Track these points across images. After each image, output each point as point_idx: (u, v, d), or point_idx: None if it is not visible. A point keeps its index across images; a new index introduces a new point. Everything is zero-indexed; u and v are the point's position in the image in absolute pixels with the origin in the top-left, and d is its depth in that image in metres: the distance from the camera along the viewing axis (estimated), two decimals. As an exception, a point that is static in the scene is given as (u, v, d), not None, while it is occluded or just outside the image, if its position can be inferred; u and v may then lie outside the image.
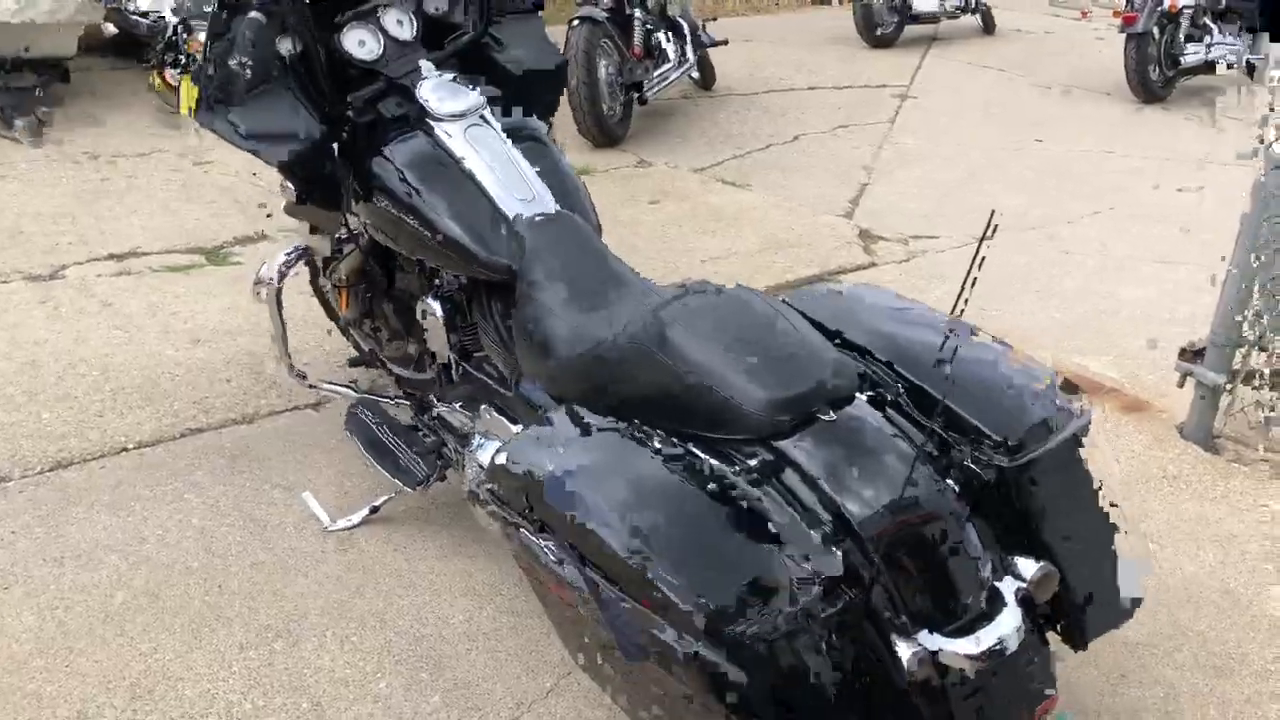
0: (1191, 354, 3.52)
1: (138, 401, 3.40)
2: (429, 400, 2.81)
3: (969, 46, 9.88)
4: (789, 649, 1.60)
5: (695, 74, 7.13)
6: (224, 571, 2.68)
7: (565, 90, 3.18)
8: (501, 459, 1.91)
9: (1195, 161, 6.52)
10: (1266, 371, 3.41)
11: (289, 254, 2.92)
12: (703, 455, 1.86)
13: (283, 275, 2.99)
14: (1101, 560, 1.96)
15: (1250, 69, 8.56)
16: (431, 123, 2.52)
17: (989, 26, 10.51)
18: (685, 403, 1.91)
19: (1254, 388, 3.44)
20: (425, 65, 2.62)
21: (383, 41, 2.65)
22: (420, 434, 2.82)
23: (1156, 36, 7.97)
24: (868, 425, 1.90)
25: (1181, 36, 8.11)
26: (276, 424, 3.33)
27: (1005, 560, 1.84)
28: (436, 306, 2.60)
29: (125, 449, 3.17)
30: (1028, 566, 1.83)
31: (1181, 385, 3.54)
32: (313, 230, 3.08)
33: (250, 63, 2.41)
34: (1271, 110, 3.30)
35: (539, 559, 1.84)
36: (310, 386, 3.19)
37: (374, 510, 2.87)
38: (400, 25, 2.70)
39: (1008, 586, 1.81)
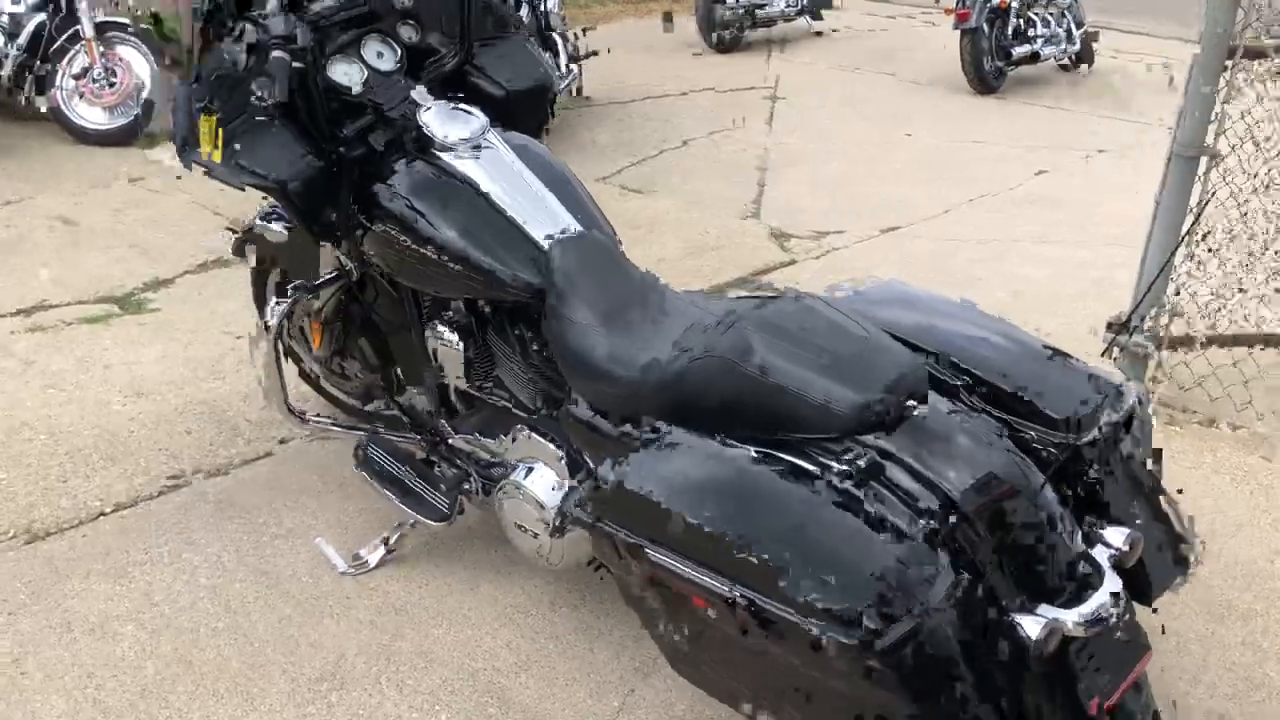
0: (1119, 326, 3.77)
1: (99, 462, 3.24)
2: (441, 431, 2.77)
3: (809, 47, 10.19)
4: (939, 637, 1.68)
5: (576, 85, 7.17)
6: (251, 628, 2.60)
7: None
8: (621, 480, 1.93)
9: (1052, 147, 6.93)
10: (1204, 337, 3.68)
11: (291, 295, 2.83)
12: (815, 460, 1.92)
13: (288, 316, 2.92)
14: (1162, 524, 2.10)
15: (1076, 59, 9.15)
16: (438, 151, 2.49)
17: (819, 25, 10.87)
18: (773, 409, 1.97)
19: (1184, 352, 3.71)
20: (419, 93, 2.60)
21: (365, 73, 2.62)
22: (435, 467, 2.79)
23: (987, 31, 8.41)
24: (947, 414, 1.99)
25: (1010, 31, 8.59)
26: (254, 471, 3.22)
27: (1093, 530, 1.96)
28: (452, 335, 2.58)
29: (103, 513, 3.01)
30: (1116, 534, 1.95)
31: (1106, 355, 3.77)
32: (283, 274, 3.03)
33: (265, 99, 2.35)
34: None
35: (678, 575, 1.86)
36: (307, 423, 3.10)
37: (390, 550, 2.82)
38: (380, 57, 2.67)
39: (1101, 554, 1.93)
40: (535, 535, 2.47)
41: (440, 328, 2.61)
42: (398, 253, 2.49)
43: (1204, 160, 3.47)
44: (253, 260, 3.19)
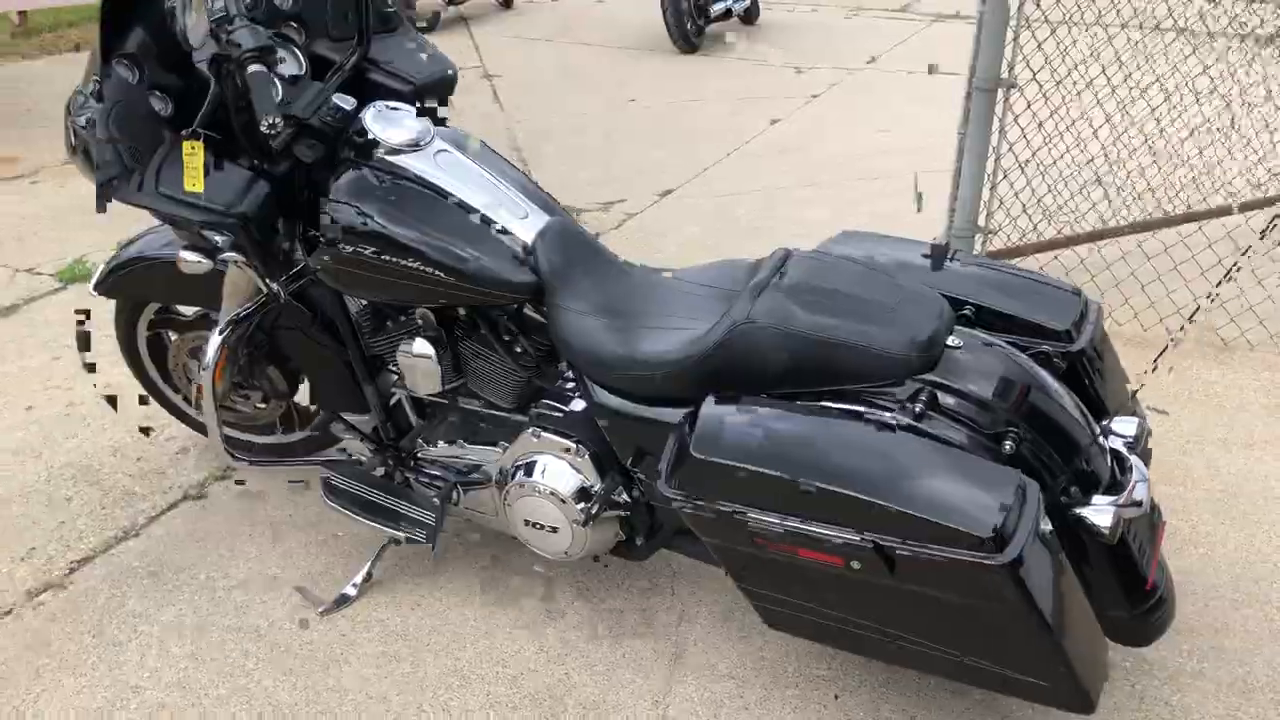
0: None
1: (-20, 551, 2.88)
2: (406, 446, 2.68)
3: (502, 21, 10.23)
4: (1048, 542, 1.87)
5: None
6: (262, 689, 2.43)
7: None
8: (713, 452, 1.99)
9: (771, 97, 7.39)
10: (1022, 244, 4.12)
11: (223, 331, 2.62)
12: (880, 404, 2.05)
13: (225, 351, 2.72)
14: (1136, 411, 2.40)
15: (746, 14, 9.75)
16: (388, 156, 2.39)
17: (508, 2, 10.94)
18: (826, 364, 2.08)
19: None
20: (342, 99, 2.48)
21: (279, 84, 2.47)
22: (407, 485, 2.70)
23: (691, -8, 8.81)
24: (973, 341, 2.18)
25: (706, -9, 9.04)
26: (169, 528, 2.96)
27: (1104, 425, 2.22)
28: (425, 347, 2.50)
29: (14, 608, 2.68)
30: (1127, 425, 2.22)
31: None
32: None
33: (276, 126, 2.18)
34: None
35: (797, 534, 1.94)
36: (253, 461, 2.89)
37: (370, 577, 2.71)
38: (283, 62, 2.52)
39: (1118, 444, 2.19)
40: (554, 530, 2.46)
41: (411, 341, 2.52)
42: (367, 270, 2.37)
43: (1001, 91, 3.87)
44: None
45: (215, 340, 2.60)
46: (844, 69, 8.32)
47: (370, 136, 2.40)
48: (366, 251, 2.34)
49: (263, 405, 3.07)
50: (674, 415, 2.23)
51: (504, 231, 2.37)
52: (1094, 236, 4.37)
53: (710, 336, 2.15)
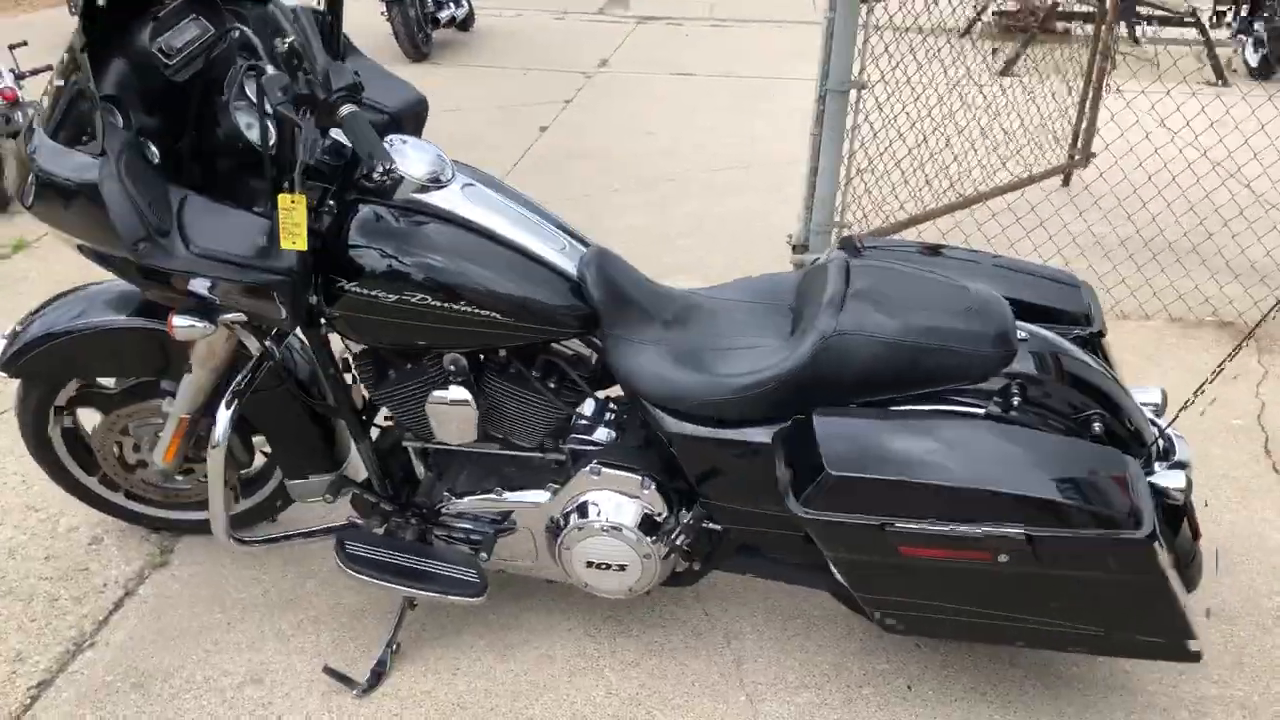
0: (800, 246, 4.34)
1: (-103, 694, 2.40)
2: (436, 501, 2.50)
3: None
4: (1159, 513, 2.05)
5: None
6: (336, 788, 2.20)
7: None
8: (849, 470, 2.01)
9: (526, 104, 7.37)
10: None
11: (230, 403, 2.32)
12: (979, 402, 2.15)
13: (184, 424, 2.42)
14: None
15: (463, 21, 9.63)
16: (418, 194, 2.22)
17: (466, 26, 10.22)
18: (913, 368, 2.16)
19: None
20: (339, 132, 2.27)
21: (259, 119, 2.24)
22: (428, 542, 2.52)
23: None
24: (1033, 333, 2.32)
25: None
26: (127, 629, 2.59)
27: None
28: (462, 392, 2.34)
29: (-12, 743, 2.28)
30: (1151, 393, 2.43)
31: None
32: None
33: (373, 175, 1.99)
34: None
35: (937, 537, 2.00)
36: (257, 543, 2.59)
37: (397, 647, 2.51)
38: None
39: (1148, 411, 2.40)
40: (623, 567, 2.39)
41: (444, 389, 2.35)
42: (405, 318, 2.18)
43: (854, 92, 4.08)
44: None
45: (225, 415, 2.31)
46: (580, 73, 8.42)
47: (382, 174, 2.19)
48: (413, 298, 2.17)
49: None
50: (753, 435, 2.22)
51: (549, 264, 2.26)
52: (915, 220, 4.72)
53: (799, 351, 2.15)
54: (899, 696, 2.44)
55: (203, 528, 2.83)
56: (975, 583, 2.09)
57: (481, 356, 2.36)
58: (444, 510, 2.50)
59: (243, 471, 2.78)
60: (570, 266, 2.28)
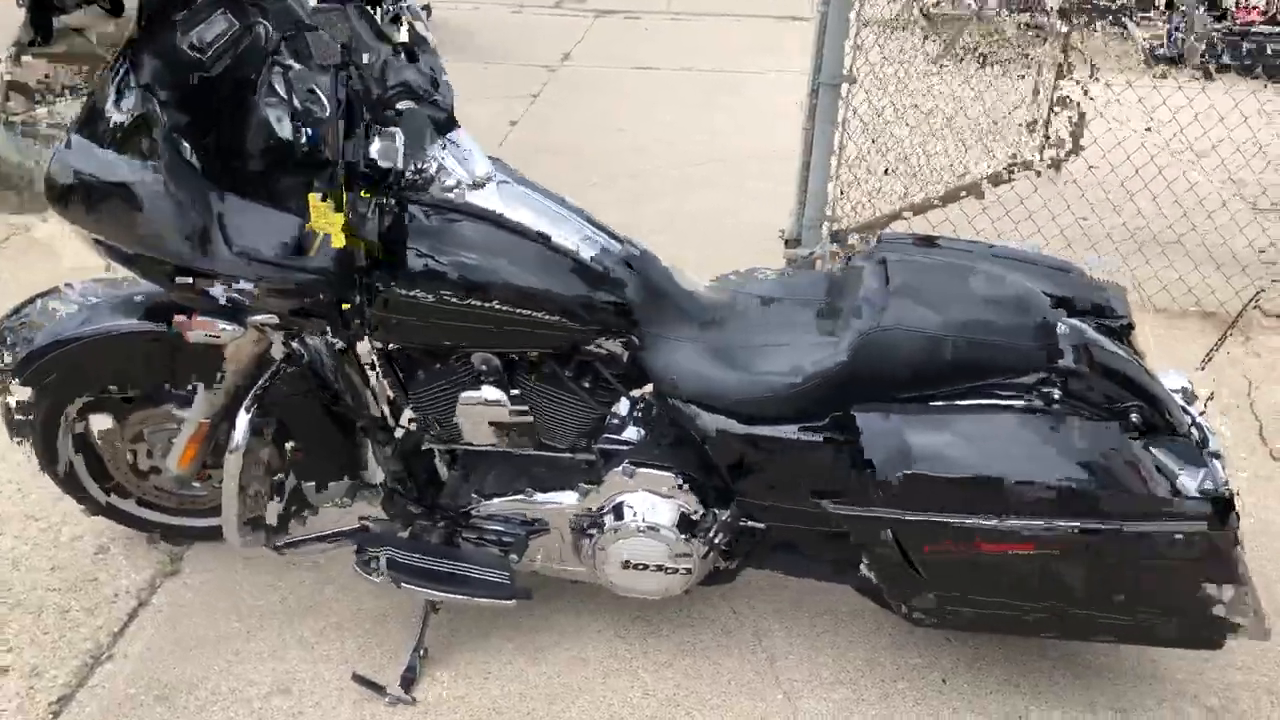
0: (793, 240, 4.34)
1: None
2: (465, 503, 2.45)
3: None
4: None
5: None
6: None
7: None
8: (911, 468, 2.01)
9: (490, 97, 7.30)
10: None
11: (250, 407, 2.26)
12: (1029, 395, 2.15)
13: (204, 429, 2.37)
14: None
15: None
16: (460, 194, 2.18)
17: (119, 9, 9.99)
18: (958, 363, 2.16)
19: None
20: (391, 134, 2.22)
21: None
22: (455, 545, 2.48)
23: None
24: (1071, 325, 2.33)
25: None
26: (145, 640, 2.52)
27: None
28: (496, 393, 2.31)
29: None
30: (1178, 378, 2.45)
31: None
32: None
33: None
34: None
35: (999, 533, 2.01)
36: (286, 547, 2.52)
37: (425, 652, 2.47)
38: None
39: (1177, 398, 2.42)
40: (660, 568, 2.36)
41: (476, 389, 2.31)
42: (448, 319, 2.15)
43: (845, 86, 4.09)
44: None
45: (244, 419, 2.26)
46: (544, 67, 8.34)
47: (415, 172, 2.15)
48: (453, 299, 2.13)
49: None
50: (792, 431, 2.21)
51: (586, 263, 2.23)
52: (904, 213, 4.75)
53: (841, 348, 2.15)
54: (934, 691, 2.45)
55: (216, 534, 2.78)
56: (1023, 576, 2.10)
57: (514, 356, 2.33)
58: (472, 512, 2.45)
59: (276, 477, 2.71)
60: (605, 264, 2.25)
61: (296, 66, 1.92)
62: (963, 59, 5.05)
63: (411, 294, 2.12)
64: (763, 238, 4.47)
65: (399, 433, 2.49)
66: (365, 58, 2.02)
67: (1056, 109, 5.54)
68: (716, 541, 2.33)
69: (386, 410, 2.48)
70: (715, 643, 2.57)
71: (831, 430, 2.17)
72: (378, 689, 2.37)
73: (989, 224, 4.63)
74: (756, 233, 4.59)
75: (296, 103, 2.05)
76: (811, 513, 2.27)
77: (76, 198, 2.02)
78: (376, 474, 2.59)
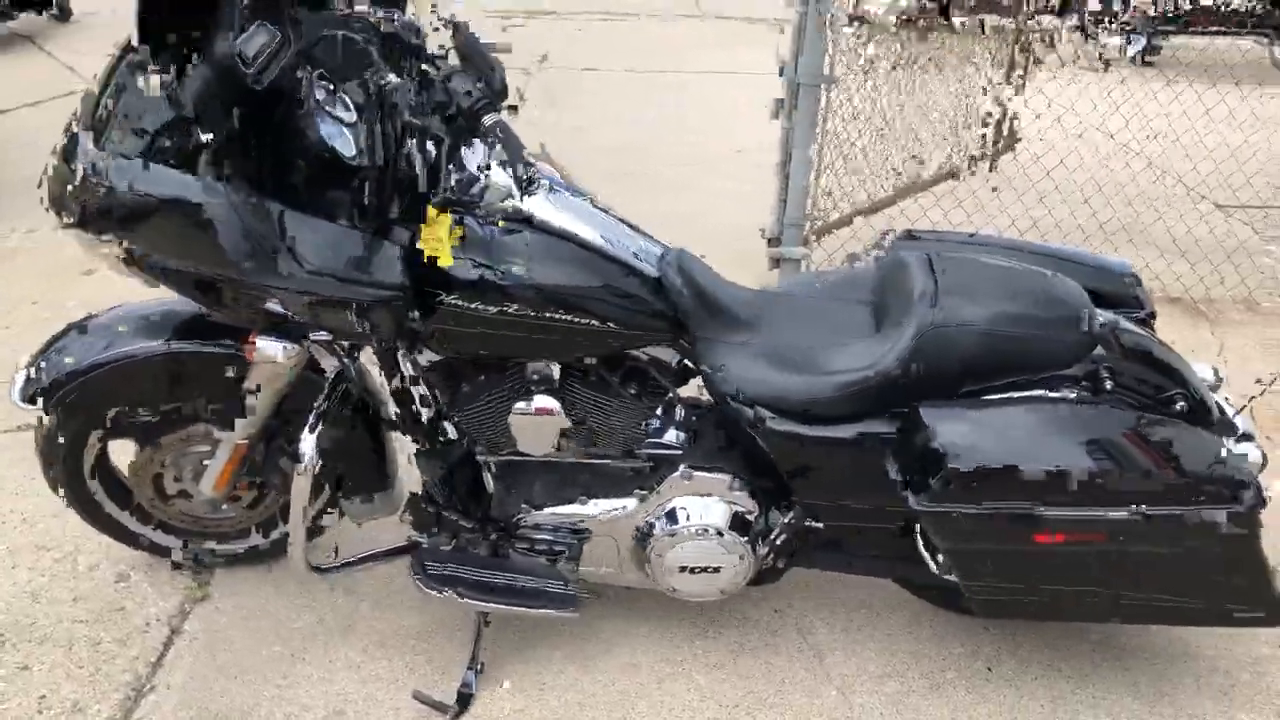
0: (774, 240, 4.38)
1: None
2: (514, 514, 2.43)
3: (72, 34, 9.11)
4: None
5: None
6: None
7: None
8: (974, 462, 2.05)
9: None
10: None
11: (314, 427, 2.22)
12: (1079, 387, 2.21)
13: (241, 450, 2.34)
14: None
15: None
16: (514, 203, 2.15)
17: (66, 15, 9.71)
18: (1010, 357, 2.21)
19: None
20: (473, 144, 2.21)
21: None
22: (504, 556, 2.46)
23: None
24: (1106, 317, 2.39)
25: None
26: (187, 669, 2.45)
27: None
28: (550, 402, 2.30)
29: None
30: (1204, 369, 2.53)
31: (775, 266, 4.38)
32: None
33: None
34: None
35: (1064, 521, 2.06)
36: (336, 569, 2.49)
37: (482, 667, 2.45)
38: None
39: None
40: (718, 569, 2.38)
41: (528, 399, 2.29)
42: (507, 330, 2.13)
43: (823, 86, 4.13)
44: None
45: (311, 439, 2.21)
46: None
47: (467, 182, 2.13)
48: (513, 309, 2.11)
49: (251, 508, 2.65)
50: (851, 430, 2.24)
51: (638, 270, 2.23)
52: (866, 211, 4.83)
53: (899, 345, 2.18)
54: (982, 679, 2.50)
55: (242, 558, 2.73)
56: (1090, 564, 2.15)
57: (564, 364, 2.32)
58: (522, 522, 2.44)
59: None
60: (659, 268, 2.25)
61: (393, 78, 1.89)
62: (922, 63, 5.14)
63: (472, 306, 2.10)
64: (734, 238, 4.49)
65: (446, 445, 2.46)
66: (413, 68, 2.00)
67: (991, 113, 5.76)
68: (779, 542, 2.35)
69: (430, 424, 2.44)
70: (763, 642, 2.59)
71: (892, 427, 2.20)
72: (440, 707, 2.34)
73: (941, 216, 4.73)
74: (728, 234, 4.60)
75: (341, 112, 2.03)
76: (870, 510, 2.31)
77: (113, 214, 1.94)
78: (402, 488, 2.57)
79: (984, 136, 6.00)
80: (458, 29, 2.10)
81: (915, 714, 2.41)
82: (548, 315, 2.13)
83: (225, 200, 1.87)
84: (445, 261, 1.94)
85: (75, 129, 1.95)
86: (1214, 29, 9.32)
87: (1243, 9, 9.54)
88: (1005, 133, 6.15)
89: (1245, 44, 8.33)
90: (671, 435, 2.42)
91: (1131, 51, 9.24)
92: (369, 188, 1.98)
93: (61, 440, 2.45)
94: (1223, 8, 9.49)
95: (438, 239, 1.90)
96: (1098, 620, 2.39)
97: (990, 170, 5.97)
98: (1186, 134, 4.94)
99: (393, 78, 1.91)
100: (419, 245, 1.94)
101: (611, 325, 2.18)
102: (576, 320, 2.15)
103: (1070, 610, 2.30)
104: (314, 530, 2.72)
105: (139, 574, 2.73)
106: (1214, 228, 5.16)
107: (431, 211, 1.91)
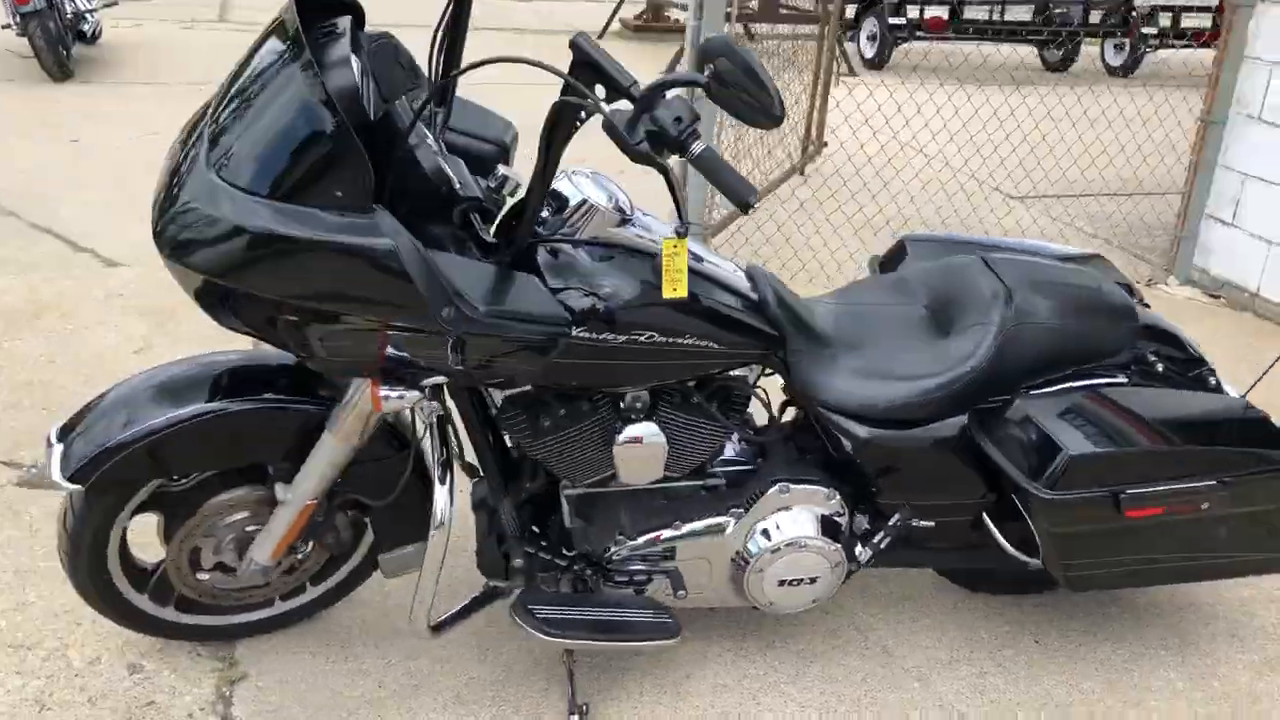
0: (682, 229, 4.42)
1: None
2: (602, 547, 2.35)
3: None
4: None
5: None
6: None
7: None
8: (1079, 452, 2.17)
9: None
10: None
11: (444, 480, 2.06)
12: (1129, 371, 2.40)
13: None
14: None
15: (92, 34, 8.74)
16: (617, 230, 2.10)
17: None
18: (1075, 350, 2.38)
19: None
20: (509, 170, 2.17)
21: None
22: (589, 590, 2.38)
23: (50, 11, 7.59)
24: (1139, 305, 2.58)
25: (69, 10, 7.92)
26: (258, 708, 2.23)
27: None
28: (653, 429, 2.24)
29: None
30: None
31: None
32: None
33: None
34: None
35: (1162, 495, 2.23)
36: (448, 625, 2.34)
37: (584, 710, 2.36)
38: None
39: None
40: (814, 580, 2.40)
41: (631, 428, 2.22)
42: (622, 358, 2.06)
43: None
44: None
45: (443, 492, 2.06)
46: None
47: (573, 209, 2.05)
48: (640, 337, 2.05)
49: (289, 573, 2.43)
50: (938, 431, 2.34)
51: (741, 289, 2.23)
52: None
53: (984, 345, 2.28)
54: (1036, 652, 2.65)
55: (258, 628, 2.50)
56: (1179, 531, 2.33)
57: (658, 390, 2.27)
58: (614, 554, 2.36)
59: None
60: (748, 287, 2.25)
61: (607, 107, 1.79)
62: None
63: (600, 337, 2.02)
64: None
65: (529, 482, 2.34)
66: None
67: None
68: (881, 546, 2.40)
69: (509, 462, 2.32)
70: (829, 645, 2.63)
71: (989, 423, 2.29)
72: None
73: (768, 217, 4.96)
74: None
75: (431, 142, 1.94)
76: (949, 505, 2.41)
77: (266, 260, 1.74)
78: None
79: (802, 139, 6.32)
80: None
81: (996, 694, 2.52)
82: (676, 341, 2.09)
83: (409, 241, 1.72)
84: (681, 293, 1.87)
85: (200, 159, 1.75)
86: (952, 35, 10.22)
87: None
88: (814, 138, 6.51)
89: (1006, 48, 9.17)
90: (754, 451, 2.42)
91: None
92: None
93: (91, 516, 2.15)
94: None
95: (678, 270, 1.82)
96: (1182, 581, 2.58)
97: (800, 174, 6.29)
98: (960, 132, 5.38)
99: (606, 106, 1.80)
100: (661, 283, 1.85)
101: (723, 346, 2.16)
102: (698, 343, 2.12)
103: (1160, 575, 2.47)
104: (342, 589, 2.54)
105: (152, 661, 2.43)
106: (1019, 218, 5.64)
107: (668, 243, 1.83)
